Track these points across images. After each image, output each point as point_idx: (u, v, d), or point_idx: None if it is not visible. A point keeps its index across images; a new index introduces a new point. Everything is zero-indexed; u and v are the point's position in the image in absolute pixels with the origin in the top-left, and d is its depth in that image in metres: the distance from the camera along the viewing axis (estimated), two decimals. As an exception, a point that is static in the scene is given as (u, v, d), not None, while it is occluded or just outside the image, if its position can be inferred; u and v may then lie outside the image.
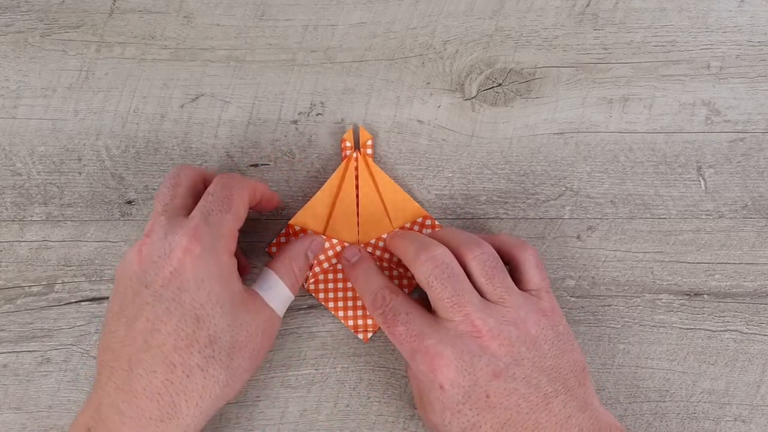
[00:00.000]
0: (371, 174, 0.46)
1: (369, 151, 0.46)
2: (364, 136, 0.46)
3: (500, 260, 0.41)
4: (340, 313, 0.46)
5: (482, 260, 0.40)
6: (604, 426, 0.38)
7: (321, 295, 0.46)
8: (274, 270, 0.42)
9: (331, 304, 0.46)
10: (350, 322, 0.46)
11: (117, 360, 0.37)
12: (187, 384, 0.37)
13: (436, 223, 0.46)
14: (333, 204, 0.46)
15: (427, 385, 0.39)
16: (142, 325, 0.37)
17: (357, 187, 0.46)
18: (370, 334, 0.46)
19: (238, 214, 0.40)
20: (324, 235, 0.45)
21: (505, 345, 0.38)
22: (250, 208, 0.42)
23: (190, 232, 0.38)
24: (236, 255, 0.41)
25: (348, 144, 0.46)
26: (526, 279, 0.41)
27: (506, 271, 0.41)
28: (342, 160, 0.46)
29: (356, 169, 0.46)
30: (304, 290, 0.46)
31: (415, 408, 0.45)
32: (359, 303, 0.46)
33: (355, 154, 0.46)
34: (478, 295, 0.39)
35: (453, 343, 0.38)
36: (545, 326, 0.39)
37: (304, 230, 0.45)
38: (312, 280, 0.46)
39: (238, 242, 0.43)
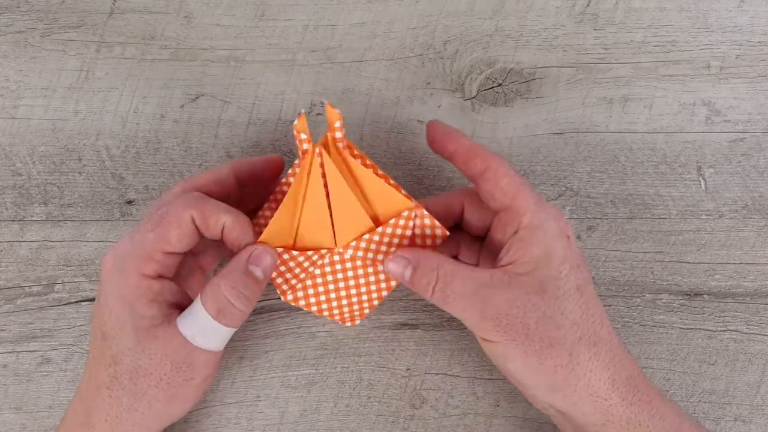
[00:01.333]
0: (343, 165, 0.39)
1: (338, 134, 0.38)
2: (332, 117, 0.38)
3: None
4: (325, 313, 0.43)
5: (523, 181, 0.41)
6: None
7: (302, 303, 0.42)
8: (201, 294, 0.37)
9: (314, 308, 0.43)
10: (336, 314, 0.43)
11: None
12: (96, 398, 0.38)
13: (425, 213, 0.40)
14: (300, 210, 0.39)
15: (553, 233, 0.37)
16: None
17: (325, 185, 0.38)
18: (357, 321, 0.43)
19: (165, 236, 0.37)
20: (295, 248, 0.40)
21: None
22: (247, 184, 0.40)
23: (113, 247, 0.38)
24: (211, 257, 0.40)
25: (303, 136, 0.37)
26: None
27: None
28: (299, 156, 0.39)
29: (321, 165, 0.38)
30: (285, 303, 0.44)
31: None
32: (342, 293, 0.42)
33: (318, 150, 0.37)
34: None
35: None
36: None
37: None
38: (289, 292, 0.42)
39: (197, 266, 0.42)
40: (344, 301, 0.43)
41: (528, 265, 0.37)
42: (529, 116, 0.48)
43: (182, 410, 0.39)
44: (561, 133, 0.48)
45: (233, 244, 0.38)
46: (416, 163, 0.47)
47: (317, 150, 0.37)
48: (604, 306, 0.47)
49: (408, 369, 0.46)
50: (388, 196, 0.39)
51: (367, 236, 0.40)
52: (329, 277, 0.42)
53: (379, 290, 0.43)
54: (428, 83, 0.48)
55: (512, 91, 0.48)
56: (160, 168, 0.47)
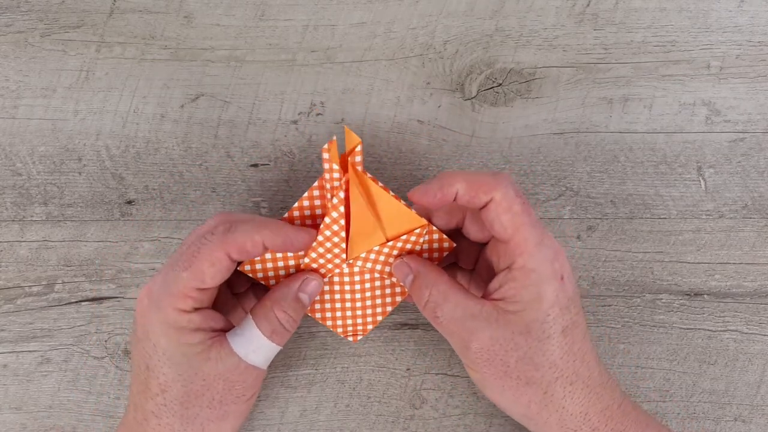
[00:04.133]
0: (362, 187, 0.40)
1: (358, 158, 0.39)
2: (351, 141, 0.39)
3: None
4: (329, 323, 0.44)
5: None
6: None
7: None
8: (252, 315, 0.40)
9: (318, 315, 0.44)
10: (339, 329, 0.44)
11: None
12: (146, 427, 0.38)
13: (434, 228, 0.41)
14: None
15: (547, 276, 0.37)
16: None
17: (347, 205, 0.39)
18: (360, 336, 0.45)
19: (199, 275, 0.37)
20: (308, 256, 0.41)
21: None
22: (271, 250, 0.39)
23: (147, 286, 0.39)
24: (217, 310, 0.40)
25: (336, 166, 0.39)
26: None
27: None
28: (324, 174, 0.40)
29: (345, 183, 0.39)
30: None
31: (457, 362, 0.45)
32: (348, 312, 0.44)
33: (337, 167, 0.39)
34: None
35: (558, 243, 0.39)
36: None
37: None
38: None
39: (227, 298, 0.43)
40: (348, 312, 0.44)
41: (517, 305, 0.38)
42: (529, 116, 0.48)
43: (233, 428, 0.40)
44: (561, 133, 0.48)
45: (284, 249, 0.39)
46: (416, 163, 0.47)
47: (337, 175, 0.39)
48: (605, 306, 0.47)
49: (408, 369, 0.46)
50: (401, 215, 0.40)
51: (377, 248, 0.41)
52: (336, 287, 0.43)
53: (384, 305, 0.44)
54: (428, 83, 0.48)
55: (512, 91, 0.48)
56: (160, 168, 0.47)
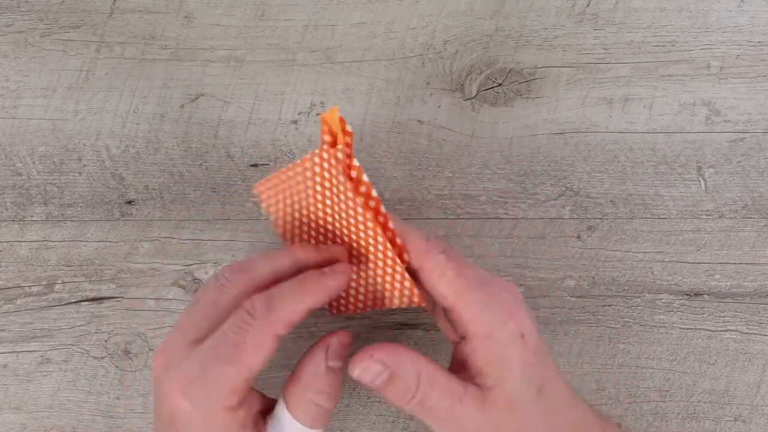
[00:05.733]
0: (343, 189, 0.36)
1: (348, 140, 0.36)
2: (337, 125, 0.37)
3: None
4: (342, 308, 0.42)
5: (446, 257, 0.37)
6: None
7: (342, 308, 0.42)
8: (286, 404, 0.35)
9: (344, 308, 0.42)
10: (351, 307, 0.41)
11: None
12: None
13: (416, 291, 0.38)
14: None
15: (507, 340, 0.35)
16: None
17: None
18: (334, 313, 0.42)
19: (249, 366, 0.33)
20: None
21: None
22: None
23: (183, 382, 0.33)
24: (255, 399, 0.37)
25: (326, 132, 0.37)
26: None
27: None
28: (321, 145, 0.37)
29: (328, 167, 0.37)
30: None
31: None
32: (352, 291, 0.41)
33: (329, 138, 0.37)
34: None
35: (510, 289, 0.37)
36: None
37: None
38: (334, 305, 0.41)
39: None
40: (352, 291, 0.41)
41: (492, 378, 0.35)
42: (529, 116, 0.48)
43: None
44: (561, 133, 0.48)
45: (323, 306, 0.37)
46: (416, 163, 0.47)
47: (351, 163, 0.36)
48: (605, 306, 0.47)
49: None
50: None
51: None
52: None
53: (374, 300, 0.41)
54: (428, 83, 0.48)
55: (512, 91, 0.48)
56: (160, 168, 0.47)
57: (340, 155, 0.35)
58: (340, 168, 0.35)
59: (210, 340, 0.34)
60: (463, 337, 0.36)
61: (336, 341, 0.36)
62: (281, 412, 0.35)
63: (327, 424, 0.36)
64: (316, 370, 0.36)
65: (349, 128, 0.37)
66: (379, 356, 0.35)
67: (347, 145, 0.36)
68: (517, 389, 0.35)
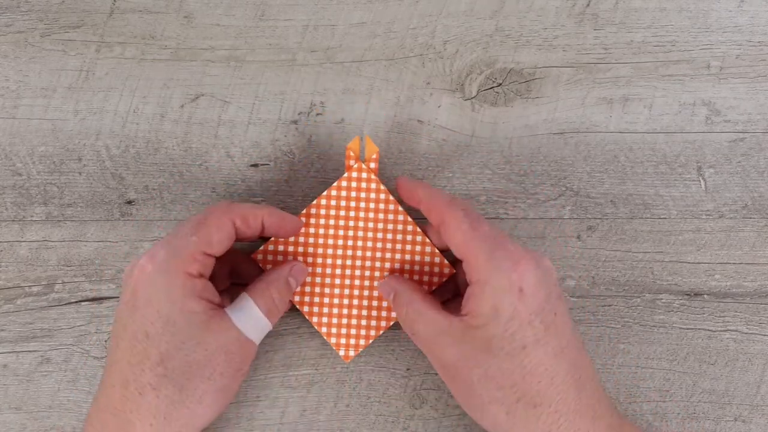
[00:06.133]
0: (374, 189, 0.44)
1: (372, 165, 0.44)
2: (370, 149, 0.44)
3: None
4: (324, 329, 0.44)
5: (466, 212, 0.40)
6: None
7: (306, 309, 0.44)
8: (249, 292, 0.41)
9: (315, 319, 0.44)
10: (333, 340, 0.44)
11: (103, 374, 0.40)
12: (140, 402, 0.37)
13: (436, 251, 0.44)
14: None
15: (503, 287, 0.37)
16: (112, 342, 0.39)
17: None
18: (351, 353, 0.45)
19: (207, 238, 0.39)
20: (315, 246, 0.44)
21: (555, 278, 0.39)
22: (260, 236, 0.42)
23: (149, 252, 0.39)
24: (220, 279, 0.42)
25: (352, 153, 0.44)
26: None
27: None
28: (346, 170, 0.44)
29: (358, 179, 0.44)
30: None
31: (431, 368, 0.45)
32: (344, 321, 0.44)
33: (355, 164, 0.44)
34: None
35: (532, 254, 0.38)
36: None
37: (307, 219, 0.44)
38: (298, 293, 0.44)
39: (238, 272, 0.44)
40: (344, 320, 0.44)
41: (480, 319, 0.37)
42: (529, 116, 0.48)
43: (222, 407, 0.40)
44: (561, 133, 0.48)
45: (277, 231, 0.42)
46: (416, 163, 0.47)
47: (355, 164, 0.44)
48: (605, 306, 0.47)
49: (408, 369, 0.46)
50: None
51: (379, 254, 0.44)
52: (336, 290, 0.44)
53: (378, 320, 0.45)
54: (428, 83, 0.48)
55: (512, 91, 0.48)
56: (160, 168, 0.47)
57: (372, 165, 0.44)
58: (373, 176, 0.44)
59: (176, 227, 0.40)
60: (468, 283, 0.39)
61: (299, 267, 0.43)
62: (243, 300, 0.40)
63: (275, 324, 0.42)
64: (279, 277, 0.42)
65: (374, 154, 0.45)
66: (390, 279, 0.43)
67: (375, 161, 0.44)
68: (498, 337, 0.37)
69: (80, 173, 0.47)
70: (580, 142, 0.48)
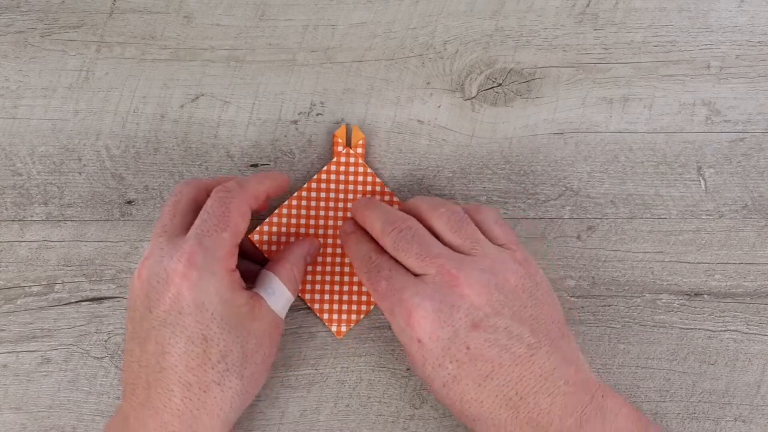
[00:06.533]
0: (362, 172, 0.46)
1: (359, 150, 0.46)
2: (357, 136, 0.46)
3: (466, 215, 0.41)
4: (316, 306, 0.46)
5: (447, 216, 0.41)
6: (591, 381, 0.38)
7: (307, 296, 0.46)
8: (276, 274, 0.42)
9: (307, 296, 0.46)
10: (325, 315, 0.46)
11: (137, 379, 0.39)
12: (206, 399, 0.38)
13: None
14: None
15: (407, 341, 0.39)
16: (153, 347, 0.38)
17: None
18: (344, 328, 0.46)
19: (236, 230, 0.39)
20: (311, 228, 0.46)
21: (484, 293, 0.38)
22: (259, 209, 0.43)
23: (185, 256, 0.38)
24: (241, 262, 0.42)
25: (340, 140, 0.46)
26: (492, 236, 0.41)
27: (474, 225, 0.41)
28: (333, 156, 0.46)
29: (346, 164, 0.46)
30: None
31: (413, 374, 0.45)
32: (336, 297, 0.46)
33: (343, 150, 0.46)
34: (449, 249, 0.40)
35: (431, 296, 0.38)
36: (522, 275, 0.39)
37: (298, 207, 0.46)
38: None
39: (245, 247, 0.45)
40: (336, 297, 0.46)
41: (410, 363, 0.41)
42: (529, 116, 0.48)
43: (265, 381, 0.43)
44: (561, 133, 0.48)
45: (275, 193, 0.43)
46: (416, 163, 0.47)
47: (343, 150, 0.46)
48: (605, 306, 0.47)
49: (408, 369, 0.46)
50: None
51: None
52: (328, 268, 0.46)
53: (369, 295, 0.46)
54: (428, 83, 0.48)
55: (512, 91, 0.48)
56: (160, 168, 0.47)
57: (359, 150, 0.46)
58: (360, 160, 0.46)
59: (197, 222, 0.39)
60: None
61: (315, 245, 0.45)
62: (271, 280, 0.42)
63: (295, 296, 0.43)
64: (300, 254, 0.43)
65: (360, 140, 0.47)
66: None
67: (362, 146, 0.47)
68: (423, 377, 0.39)
69: (80, 173, 0.47)
70: (580, 142, 0.48)
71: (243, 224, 0.40)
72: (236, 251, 0.40)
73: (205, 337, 0.38)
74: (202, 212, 0.39)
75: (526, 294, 0.39)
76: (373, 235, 0.42)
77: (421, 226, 0.40)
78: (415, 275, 0.40)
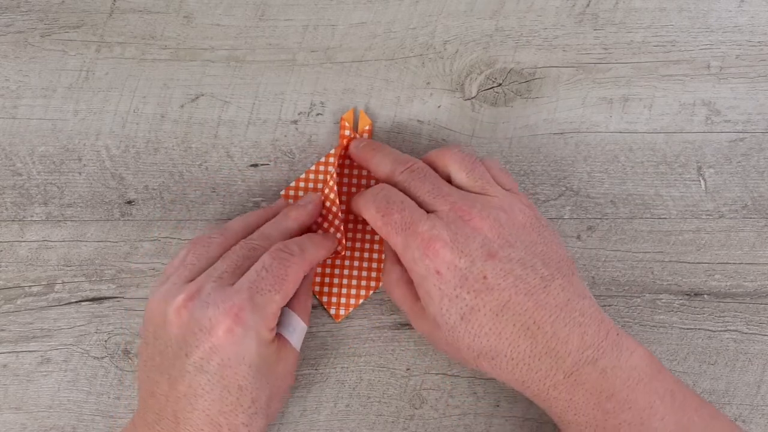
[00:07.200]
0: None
1: (365, 135, 0.47)
2: (364, 121, 0.47)
3: (478, 159, 0.42)
4: (316, 288, 0.46)
5: (461, 156, 0.41)
6: (605, 318, 0.39)
7: None
8: (295, 311, 0.42)
9: (345, 308, 0.46)
10: (324, 298, 0.46)
11: (163, 410, 0.39)
12: None
13: None
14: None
15: (423, 274, 0.39)
16: (185, 389, 0.38)
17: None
18: (342, 312, 0.46)
19: (287, 295, 0.40)
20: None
21: (496, 227, 0.39)
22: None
23: (234, 311, 0.38)
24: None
25: (347, 124, 0.46)
26: (499, 182, 0.42)
27: (484, 168, 0.41)
28: (340, 139, 0.47)
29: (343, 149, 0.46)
30: None
31: (413, 327, 0.46)
32: (336, 281, 0.46)
33: (349, 133, 0.46)
34: (459, 189, 0.41)
35: (446, 227, 0.38)
36: (530, 215, 0.40)
37: (295, 197, 0.47)
38: None
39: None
40: (336, 280, 0.46)
41: (423, 302, 0.40)
42: (529, 116, 0.48)
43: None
44: (561, 133, 0.48)
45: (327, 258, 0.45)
46: (416, 163, 0.47)
47: (350, 134, 0.46)
48: (605, 306, 0.47)
49: (408, 369, 0.46)
50: None
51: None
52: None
53: (369, 281, 0.46)
54: (428, 83, 0.48)
55: (512, 91, 0.48)
56: (160, 168, 0.47)
57: (365, 135, 0.47)
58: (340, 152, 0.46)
59: (251, 274, 0.39)
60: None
61: (311, 276, 0.45)
62: (295, 322, 0.42)
63: (308, 325, 0.44)
64: (309, 286, 0.44)
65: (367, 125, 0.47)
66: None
67: (368, 132, 0.47)
68: (438, 314, 0.39)
69: (80, 173, 0.47)
70: (580, 142, 0.48)
71: (294, 290, 0.40)
72: (279, 312, 0.40)
73: (240, 387, 0.38)
74: (258, 266, 0.39)
75: (535, 232, 0.40)
76: (378, 176, 0.43)
77: (433, 171, 0.42)
78: (428, 212, 0.40)
